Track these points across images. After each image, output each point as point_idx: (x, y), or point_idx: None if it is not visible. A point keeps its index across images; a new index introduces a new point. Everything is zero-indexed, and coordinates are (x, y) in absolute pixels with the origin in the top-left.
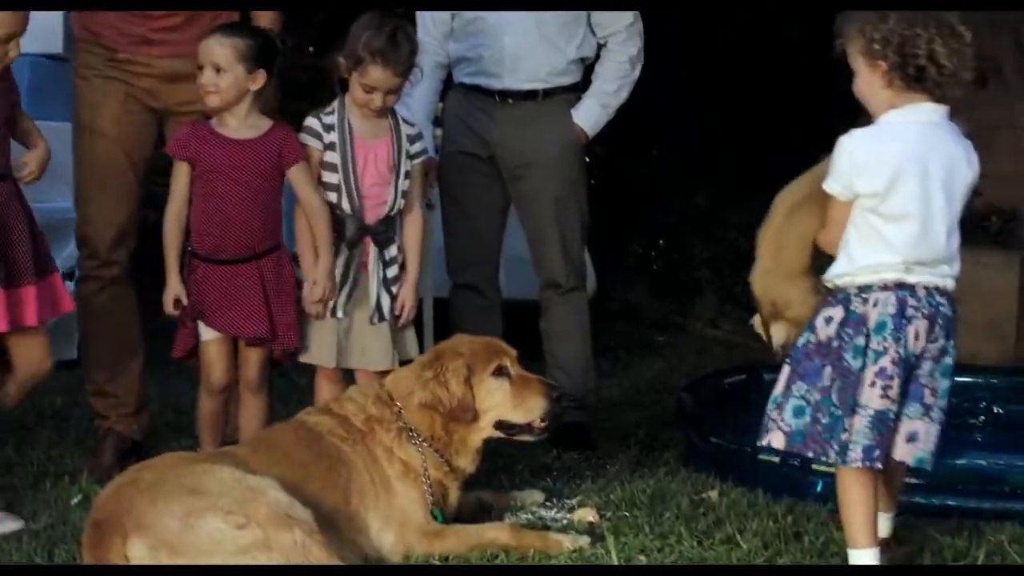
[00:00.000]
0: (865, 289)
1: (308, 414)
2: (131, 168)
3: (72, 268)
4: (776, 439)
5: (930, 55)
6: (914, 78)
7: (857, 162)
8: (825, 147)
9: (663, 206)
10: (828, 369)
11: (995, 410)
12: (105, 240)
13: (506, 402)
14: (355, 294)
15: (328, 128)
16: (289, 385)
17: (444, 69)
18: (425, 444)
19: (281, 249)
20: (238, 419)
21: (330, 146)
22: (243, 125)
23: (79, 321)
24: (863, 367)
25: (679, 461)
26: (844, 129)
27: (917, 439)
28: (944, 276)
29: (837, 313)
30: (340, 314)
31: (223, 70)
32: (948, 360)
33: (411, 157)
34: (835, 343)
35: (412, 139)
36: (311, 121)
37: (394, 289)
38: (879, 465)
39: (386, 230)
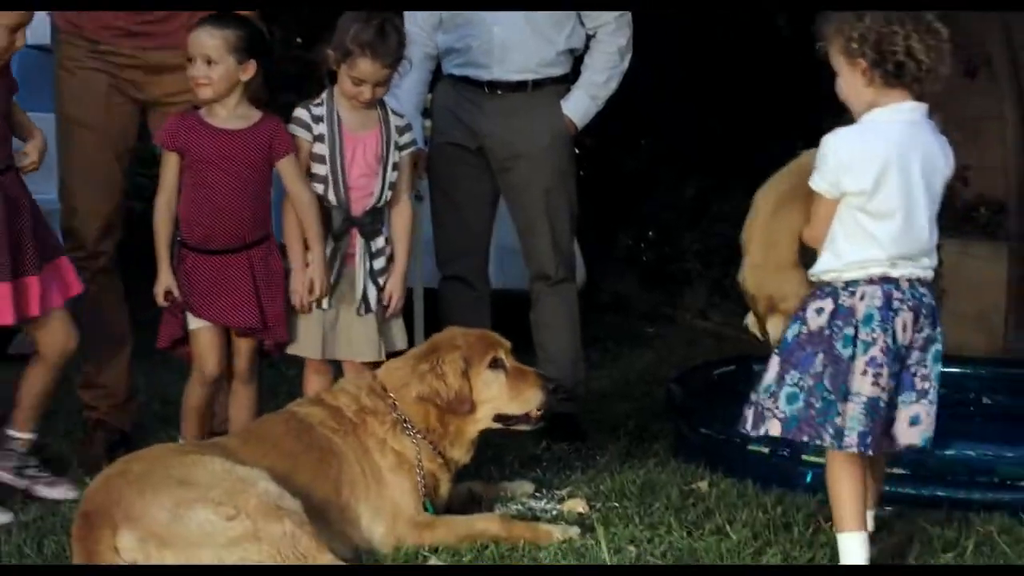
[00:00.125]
0: (852, 284)
1: (299, 405)
2: (116, 159)
3: None
4: (773, 427)
5: (908, 51)
6: (893, 74)
7: (843, 161)
8: (812, 140)
9: (653, 198)
10: (820, 356)
11: (984, 401)
12: (91, 231)
13: (503, 394)
14: (341, 285)
15: (317, 119)
16: (278, 376)
17: (433, 60)
18: (419, 436)
19: (270, 240)
20: (227, 411)
21: (319, 137)
22: (233, 115)
23: None
24: (853, 356)
25: (669, 452)
26: (832, 122)
27: (920, 422)
28: (925, 268)
29: (827, 304)
30: (326, 306)
31: (215, 62)
32: (937, 347)
33: (400, 148)
34: (827, 332)
35: (401, 130)
36: (300, 112)
37: (381, 280)
38: (871, 452)
39: (372, 222)
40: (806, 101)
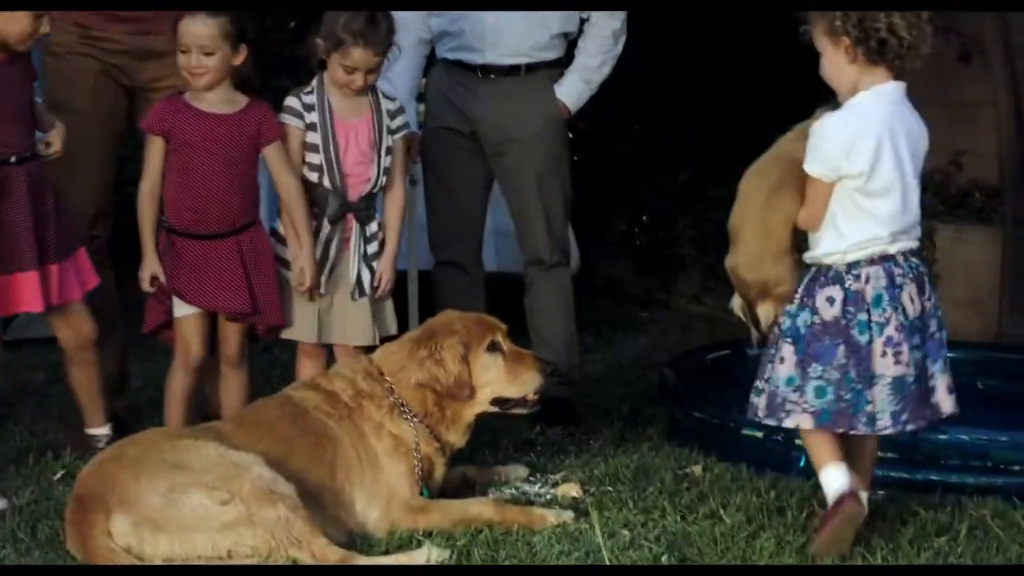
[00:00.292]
0: (854, 265)
1: (294, 389)
2: (106, 144)
3: None
4: (804, 421)
5: (890, 27)
6: (876, 51)
7: (840, 145)
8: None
9: (647, 183)
10: (841, 348)
11: (977, 385)
12: (84, 216)
13: (501, 377)
14: (336, 270)
15: (308, 108)
16: (271, 361)
17: (427, 44)
18: (416, 420)
19: (258, 224)
20: (219, 397)
21: (311, 126)
22: (220, 100)
23: None
24: (871, 340)
25: (662, 436)
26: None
27: (953, 390)
28: (914, 239)
29: (836, 293)
30: (321, 291)
31: (211, 52)
32: (939, 312)
33: (392, 132)
34: (843, 322)
35: (392, 114)
36: (291, 101)
37: (374, 265)
38: (911, 427)
39: (367, 207)
40: (800, 86)
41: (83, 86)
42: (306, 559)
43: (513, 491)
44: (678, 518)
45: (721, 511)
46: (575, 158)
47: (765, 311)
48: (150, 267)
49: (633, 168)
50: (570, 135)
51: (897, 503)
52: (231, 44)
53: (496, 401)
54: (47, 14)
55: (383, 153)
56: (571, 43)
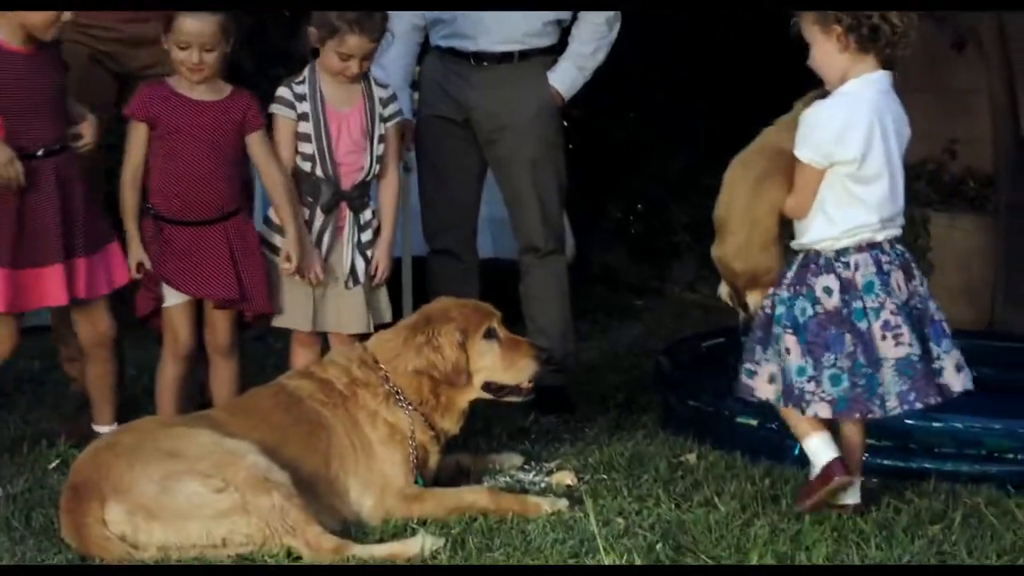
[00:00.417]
0: (843, 253)
1: (288, 378)
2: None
3: None
4: (822, 410)
5: (882, 14)
6: (868, 38)
7: (833, 131)
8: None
9: (642, 170)
10: (848, 336)
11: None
12: None
13: (497, 364)
14: (330, 258)
15: (300, 98)
16: (265, 349)
17: (421, 31)
18: (411, 408)
19: (243, 211)
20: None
21: (303, 116)
22: (207, 88)
23: None
24: (869, 326)
25: (657, 424)
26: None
27: (963, 367)
28: (899, 227)
29: (832, 282)
30: (320, 277)
31: (211, 49)
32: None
33: (385, 120)
34: (844, 311)
35: (385, 102)
36: (283, 91)
37: (368, 253)
38: (918, 406)
39: (361, 195)
40: (794, 75)
41: (73, 73)
42: (300, 547)
43: (508, 479)
44: (673, 506)
45: (716, 499)
46: (570, 146)
47: (754, 299)
48: (136, 255)
49: (628, 156)
50: (565, 123)
51: (891, 491)
52: (227, 40)
53: (491, 388)
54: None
55: (376, 141)
56: (565, 30)
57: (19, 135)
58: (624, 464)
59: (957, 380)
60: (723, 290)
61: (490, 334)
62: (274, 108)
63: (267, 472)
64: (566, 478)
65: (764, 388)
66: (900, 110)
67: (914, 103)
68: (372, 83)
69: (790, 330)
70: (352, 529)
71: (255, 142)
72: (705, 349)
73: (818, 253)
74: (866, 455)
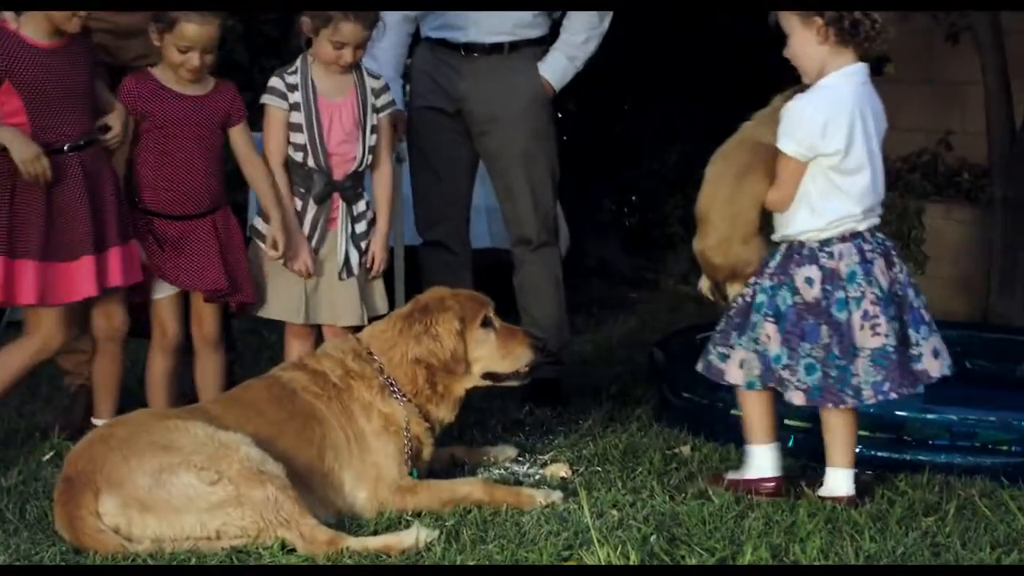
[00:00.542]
0: (827, 243)
1: (282, 370)
2: None
3: None
4: (796, 397)
5: (863, 10)
6: (849, 32)
7: (817, 124)
8: None
9: (636, 163)
10: (824, 327)
11: (966, 365)
12: None
13: (494, 353)
14: (323, 250)
15: (292, 88)
16: (259, 342)
17: (412, 22)
18: (406, 399)
19: (226, 203)
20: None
21: (295, 106)
22: (193, 81)
23: None
24: (849, 316)
25: (651, 417)
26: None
27: (940, 353)
28: (878, 216)
29: (814, 272)
30: (306, 266)
31: (210, 51)
32: (913, 279)
33: (377, 111)
34: (823, 302)
35: (377, 92)
36: (275, 81)
37: (363, 244)
38: (893, 396)
39: (354, 185)
40: (788, 67)
41: None
42: (295, 539)
43: (502, 471)
44: (667, 498)
45: (710, 491)
46: (564, 138)
47: (735, 291)
48: None
49: (622, 149)
50: (559, 115)
51: (885, 483)
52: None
53: (488, 376)
54: None
55: (368, 132)
56: (556, 22)
57: (46, 130)
58: (618, 456)
59: (935, 366)
60: (703, 284)
61: (486, 323)
62: (266, 98)
63: (261, 464)
64: (560, 470)
65: (734, 373)
66: (878, 102)
67: (910, 95)
68: (364, 73)
69: (771, 318)
70: (346, 522)
71: (237, 134)
72: (699, 341)
73: (802, 244)
74: (860, 447)
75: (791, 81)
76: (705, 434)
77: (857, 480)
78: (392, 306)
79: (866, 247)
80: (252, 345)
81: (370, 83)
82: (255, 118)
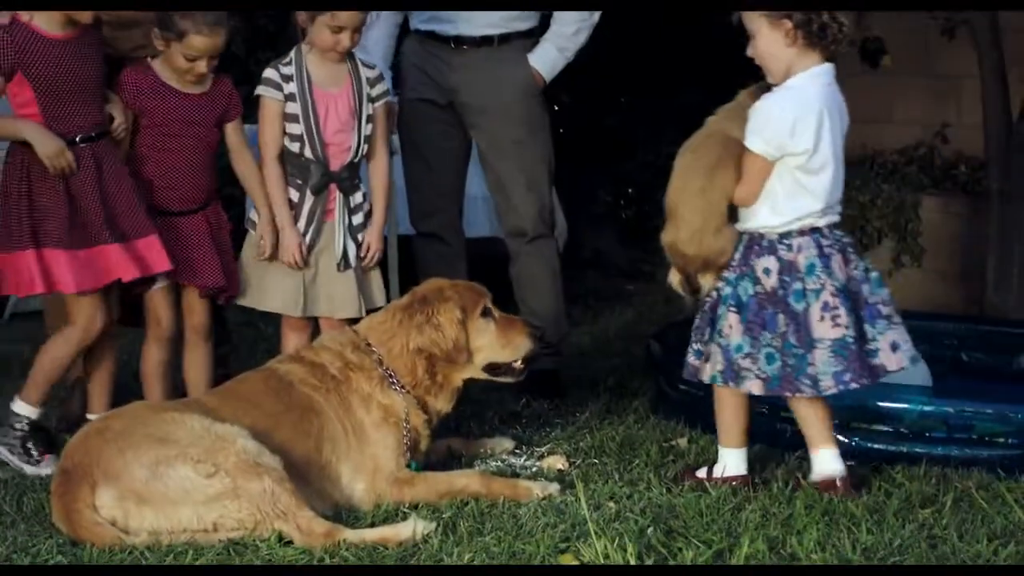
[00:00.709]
0: (786, 236)
1: (279, 362)
2: None
3: None
4: (755, 386)
5: (831, 13)
6: (817, 35)
7: (785, 125)
8: None
9: (632, 155)
10: (781, 317)
11: (963, 357)
12: None
13: (494, 342)
14: (320, 242)
15: (287, 79)
16: (255, 334)
17: (401, 13)
18: (405, 391)
19: (217, 198)
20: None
21: (290, 96)
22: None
23: None
24: (807, 307)
25: (648, 409)
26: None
27: (900, 346)
28: (838, 213)
29: (772, 264)
30: (293, 257)
31: (215, 57)
32: (875, 274)
33: (372, 100)
34: (780, 292)
35: (372, 82)
36: (270, 73)
37: (360, 236)
38: (853, 386)
39: (350, 176)
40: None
41: None
42: (292, 532)
43: (499, 463)
44: (664, 490)
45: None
46: (560, 131)
47: (707, 282)
48: None
49: (618, 141)
50: (555, 107)
51: (882, 475)
52: None
53: (488, 367)
54: None
55: (364, 121)
56: (547, 14)
57: (58, 121)
58: (615, 448)
59: (893, 359)
60: (673, 278)
61: (486, 312)
62: (261, 90)
63: (258, 457)
64: (557, 462)
65: (706, 370)
66: (842, 101)
67: (906, 88)
68: (359, 63)
69: (734, 309)
70: (344, 514)
71: (231, 129)
72: None
73: (762, 235)
74: (856, 439)
75: (757, 78)
76: (702, 426)
77: (853, 472)
78: (388, 296)
79: (824, 242)
80: (248, 338)
81: (365, 72)
82: (251, 110)
